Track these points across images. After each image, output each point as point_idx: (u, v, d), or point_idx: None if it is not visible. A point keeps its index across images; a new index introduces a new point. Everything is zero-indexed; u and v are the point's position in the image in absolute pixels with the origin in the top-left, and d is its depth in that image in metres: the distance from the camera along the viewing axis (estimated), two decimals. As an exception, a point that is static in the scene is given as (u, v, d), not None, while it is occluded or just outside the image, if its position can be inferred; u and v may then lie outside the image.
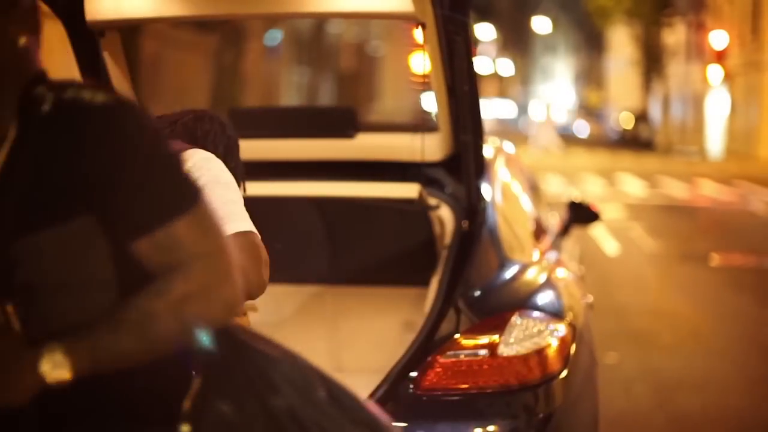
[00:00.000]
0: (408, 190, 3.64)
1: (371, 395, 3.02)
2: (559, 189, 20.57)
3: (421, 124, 3.78)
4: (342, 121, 3.90)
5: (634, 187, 22.31)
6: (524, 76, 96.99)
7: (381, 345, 4.04)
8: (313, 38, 26.11)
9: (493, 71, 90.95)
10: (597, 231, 14.11)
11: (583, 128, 61.21)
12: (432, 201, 3.73)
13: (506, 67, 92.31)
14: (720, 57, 36.48)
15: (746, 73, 37.28)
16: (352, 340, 4.21)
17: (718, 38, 36.58)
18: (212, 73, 16.96)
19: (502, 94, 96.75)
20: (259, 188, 4.07)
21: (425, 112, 4.30)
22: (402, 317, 4.09)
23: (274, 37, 23.58)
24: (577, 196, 6.44)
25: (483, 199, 3.73)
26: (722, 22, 38.56)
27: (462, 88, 3.41)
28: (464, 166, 3.61)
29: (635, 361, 6.99)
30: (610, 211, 16.84)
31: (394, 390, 3.01)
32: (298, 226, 4.25)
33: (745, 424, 5.67)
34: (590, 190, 21.09)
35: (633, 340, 7.64)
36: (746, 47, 37.62)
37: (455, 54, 3.33)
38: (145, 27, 11.77)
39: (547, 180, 23.24)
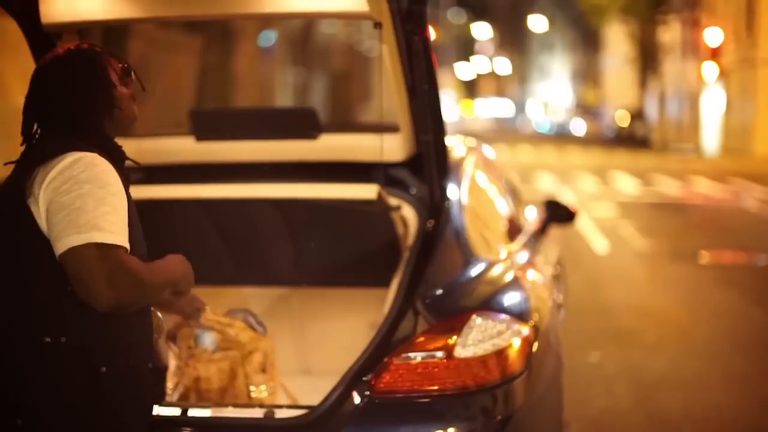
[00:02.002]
0: (367, 190, 3.60)
1: (325, 399, 2.99)
2: (552, 187, 20.54)
3: (383, 124, 3.75)
4: (304, 122, 3.87)
5: (627, 185, 22.29)
6: (522, 75, 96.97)
7: (348, 346, 4.00)
8: (306, 39, 26.06)
9: (490, 70, 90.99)
10: (587, 229, 14.11)
11: (579, 126, 61.24)
12: (393, 201, 3.70)
13: (503, 65, 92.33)
14: (715, 54, 36.45)
15: (741, 70, 37.26)
16: (319, 342, 4.18)
17: (713, 35, 36.55)
18: (202, 74, 16.90)
19: (500, 92, 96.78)
20: (223, 191, 4.05)
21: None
22: (369, 318, 4.06)
23: (268, 37, 23.54)
24: (554, 194, 6.40)
25: (448, 198, 3.70)
26: (717, 19, 38.53)
27: (422, 88, 3.38)
28: (426, 165, 3.58)
29: (618, 360, 6.96)
30: (601, 210, 16.82)
31: (349, 393, 2.98)
32: (262, 228, 4.22)
33: (724, 423, 5.64)
34: (583, 189, 21.07)
35: (617, 339, 7.61)
36: (741, 44, 37.60)
37: (413, 53, 3.29)
38: (131, 27, 11.72)
39: (539, 178, 23.23)
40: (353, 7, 3.18)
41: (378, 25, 3.22)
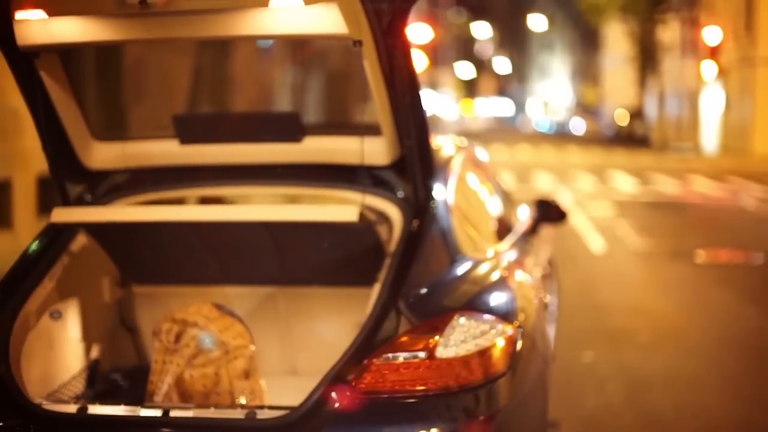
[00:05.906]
0: (347, 213, 3.54)
1: (306, 400, 2.99)
2: (550, 187, 20.53)
3: (368, 126, 3.75)
4: (289, 125, 3.87)
5: (625, 184, 22.28)
6: (521, 74, 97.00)
7: (334, 347, 3.99)
8: (304, 39, 26.02)
9: (490, 69, 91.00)
10: (583, 228, 14.10)
11: (579, 125, 61.26)
12: (378, 203, 3.70)
13: (503, 64, 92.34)
14: (714, 53, 36.46)
15: (740, 69, 37.25)
16: (305, 342, 4.17)
17: (712, 34, 36.55)
18: (200, 75, 16.89)
19: (500, 92, 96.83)
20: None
21: None
22: (355, 318, 4.04)
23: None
24: (546, 194, 6.40)
25: (433, 199, 3.70)
26: (716, 18, 38.53)
27: (404, 101, 3.38)
28: (410, 169, 3.58)
29: (611, 360, 6.95)
30: (598, 209, 16.82)
31: (330, 393, 2.98)
32: (247, 228, 4.21)
33: (714, 422, 5.63)
34: (581, 188, 21.06)
35: (610, 339, 7.60)
36: (740, 43, 37.59)
37: (395, 69, 3.28)
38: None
39: (538, 177, 23.22)
40: (332, 29, 3.16)
41: (358, 43, 3.20)
